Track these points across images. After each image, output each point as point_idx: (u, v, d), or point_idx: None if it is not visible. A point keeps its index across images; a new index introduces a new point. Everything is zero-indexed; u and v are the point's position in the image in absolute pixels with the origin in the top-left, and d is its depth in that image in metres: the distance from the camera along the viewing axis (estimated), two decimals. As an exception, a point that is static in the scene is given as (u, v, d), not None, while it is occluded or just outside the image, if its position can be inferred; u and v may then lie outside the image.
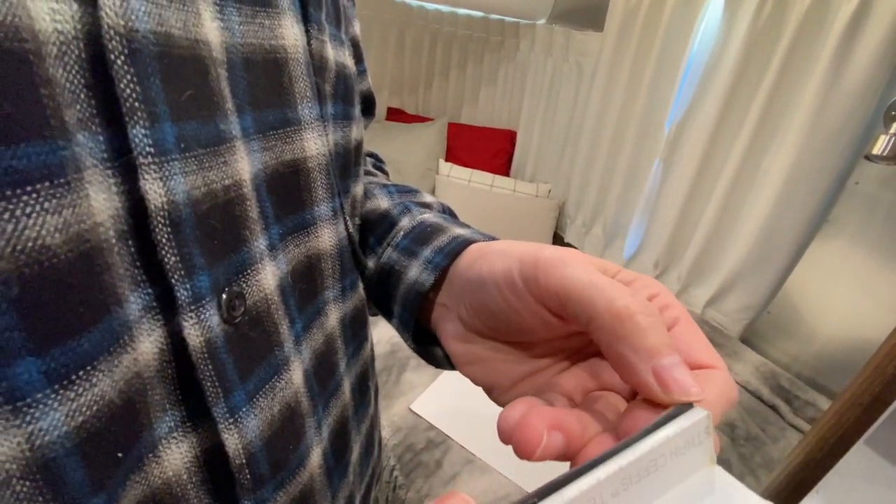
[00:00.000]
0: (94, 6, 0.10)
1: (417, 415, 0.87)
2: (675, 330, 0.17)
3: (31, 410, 0.10)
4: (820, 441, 0.47)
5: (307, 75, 0.18)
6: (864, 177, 0.95)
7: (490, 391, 0.21)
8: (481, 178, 1.68)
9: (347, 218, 0.23)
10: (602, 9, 1.36)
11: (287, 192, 0.18)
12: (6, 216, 0.09)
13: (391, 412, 0.88)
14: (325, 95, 0.20)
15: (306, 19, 0.18)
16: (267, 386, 0.16)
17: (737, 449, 0.91)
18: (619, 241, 1.47)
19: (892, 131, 0.85)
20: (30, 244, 0.09)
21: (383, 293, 0.26)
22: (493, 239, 0.24)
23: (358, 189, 0.26)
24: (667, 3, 1.16)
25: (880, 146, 0.84)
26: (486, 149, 1.83)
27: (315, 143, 0.19)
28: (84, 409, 0.11)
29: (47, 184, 0.10)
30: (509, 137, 1.86)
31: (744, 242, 1.10)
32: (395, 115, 1.96)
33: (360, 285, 0.25)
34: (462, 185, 1.68)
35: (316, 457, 0.19)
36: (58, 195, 0.10)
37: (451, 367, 0.25)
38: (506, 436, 0.15)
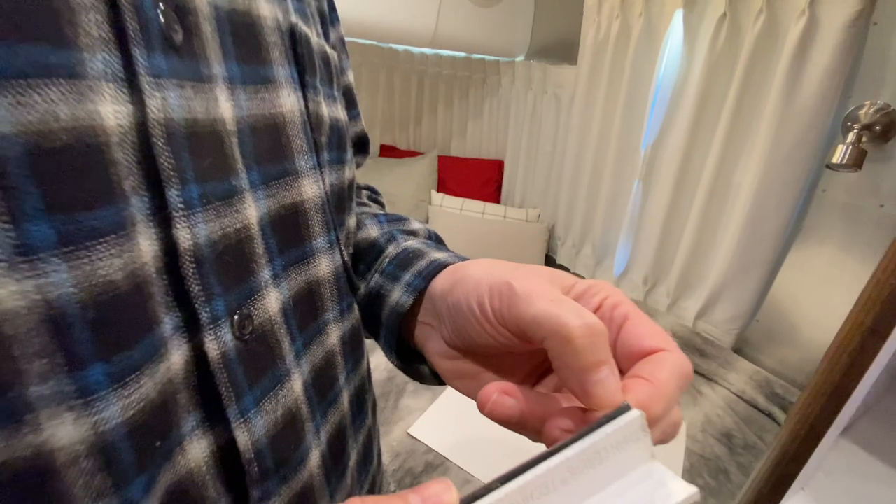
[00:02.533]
0: (142, 106, 0.14)
1: (415, 439, 0.88)
2: (627, 325, 0.19)
3: (98, 404, 0.12)
4: (791, 434, 0.49)
5: (303, 133, 0.21)
6: (830, 185, 1.00)
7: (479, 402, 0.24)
8: (473, 207, 1.74)
9: (343, 248, 0.25)
10: (574, 44, 1.46)
11: (288, 229, 0.21)
12: (86, 260, 0.12)
13: (390, 437, 0.89)
14: (321, 146, 0.24)
15: (303, 86, 0.22)
16: (271, 392, 0.19)
17: (735, 458, 0.91)
18: (609, 259, 1.51)
19: (848, 140, 0.90)
20: (101, 280, 0.12)
21: (371, 315, 0.28)
22: (465, 259, 0.27)
23: (351, 221, 0.29)
24: (632, 36, 1.25)
25: (839, 155, 0.88)
26: (476, 178, 1.90)
27: (311, 188, 0.22)
28: (134, 404, 0.13)
29: (114, 236, 0.13)
30: (497, 167, 1.93)
31: (724, 254, 1.13)
32: (387, 150, 2.04)
33: (356, 307, 0.28)
34: (454, 214, 1.73)
35: (315, 458, 0.22)
36: (120, 243, 0.13)
37: (438, 382, 0.27)
38: (478, 402, 0.18)
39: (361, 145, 0.38)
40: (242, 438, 0.17)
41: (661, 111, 1.22)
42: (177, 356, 0.15)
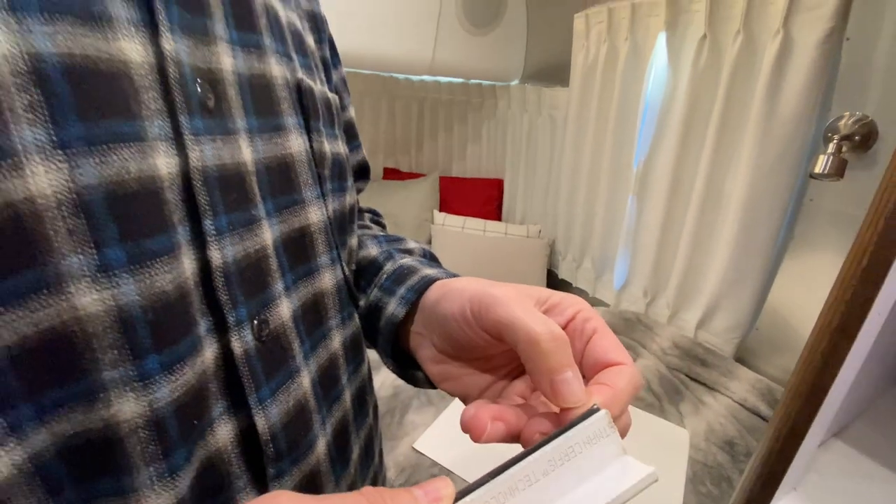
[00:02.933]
0: (186, 158, 0.18)
1: (421, 453, 0.91)
2: (595, 338, 0.22)
3: (153, 386, 0.16)
4: (775, 432, 0.51)
5: (309, 169, 0.26)
6: (816, 194, 1.03)
7: (464, 400, 0.26)
8: (474, 225, 1.79)
9: (344, 264, 0.29)
10: (565, 67, 1.52)
11: (297, 249, 0.25)
12: (147, 275, 0.16)
13: (396, 453, 0.91)
14: (325, 178, 0.28)
15: (308, 130, 0.26)
16: (284, 386, 0.22)
17: (737, 466, 0.92)
18: (609, 273, 1.54)
19: (829, 150, 0.93)
20: (158, 290, 0.16)
21: (371, 326, 0.32)
22: (456, 276, 0.30)
23: (353, 240, 0.33)
24: (619, 58, 1.31)
25: (821, 165, 0.92)
26: (477, 197, 1.96)
27: (316, 214, 0.26)
28: (179, 388, 0.17)
29: (166, 257, 0.17)
30: (497, 185, 1.98)
31: (720, 264, 1.16)
32: (390, 173, 2.11)
33: (356, 316, 0.32)
34: (457, 232, 1.78)
35: (321, 446, 0.25)
36: (170, 262, 0.17)
37: (430, 385, 0.30)
38: (464, 427, 0.20)
39: (362, 172, 0.42)
40: (261, 422, 0.20)
41: (651, 128, 1.27)
42: (209, 352, 0.19)
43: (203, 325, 0.19)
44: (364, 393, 0.33)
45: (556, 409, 0.20)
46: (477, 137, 2.03)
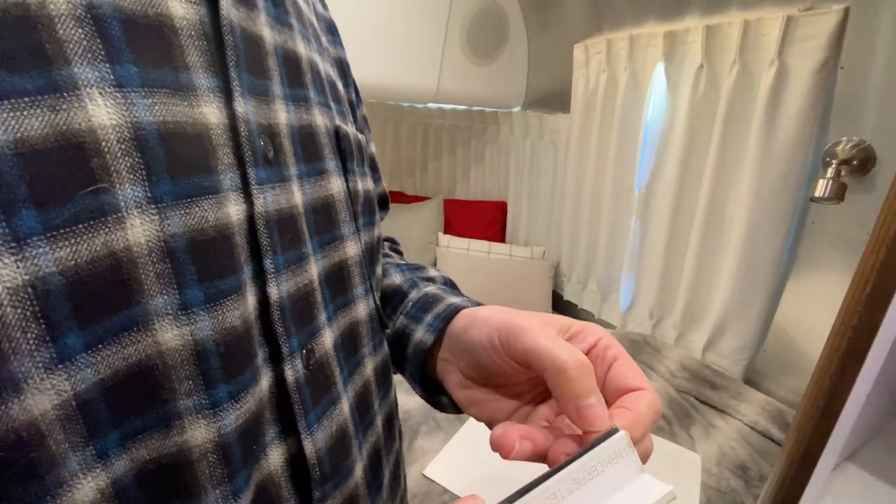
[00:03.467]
0: (251, 205, 0.19)
1: (431, 480, 0.90)
2: (615, 364, 0.23)
3: (222, 413, 0.17)
4: (788, 458, 0.52)
5: (347, 208, 0.28)
6: (818, 217, 1.05)
7: (490, 425, 0.27)
8: (479, 247, 1.80)
9: (374, 293, 0.31)
10: (566, 95, 1.57)
11: (337, 282, 0.26)
12: (220, 312, 0.17)
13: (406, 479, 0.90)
14: (358, 214, 0.30)
15: (345, 171, 0.28)
16: (327, 412, 0.23)
17: (751, 490, 0.91)
18: (614, 294, 1.54)
19: (829, 175, 0.96)
20: (229, 325, 0.18)
21: (397, 352, 0.33)
22: (480, 304, 0.31)
23: (378, 269, 0.35)
24: (619, 86, 1.35)
25: (821, 189, 0.94)
26: (481, 219, 1.98)
27: (353, 249, 0.28)
28: (243, 414, 0.18)
29: (235, 295, 0.18)
30: (501, 207, 2.01)
31: (725, 286, 1.17)
32: (395, 196, 2.14)
33: (385, 344, 0.33)
34: (461, 255, 1.79)
35: (359, 469, 0.26)
36: (239, 300, 0.19)
37: (456, 410, 0.32)
38: (493, 445, 0.21)
39: (383, 203, 0.44)
40: (309, 447, 0.22)
41: (652, 154, 1.30)
42: (265, 381, 0.20)
43: (261, 356, 0.20)
44: (392, 418, 0.34)
45: (580, 432, 0.21)
46: (480, 161, 2.07)
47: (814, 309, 1.08)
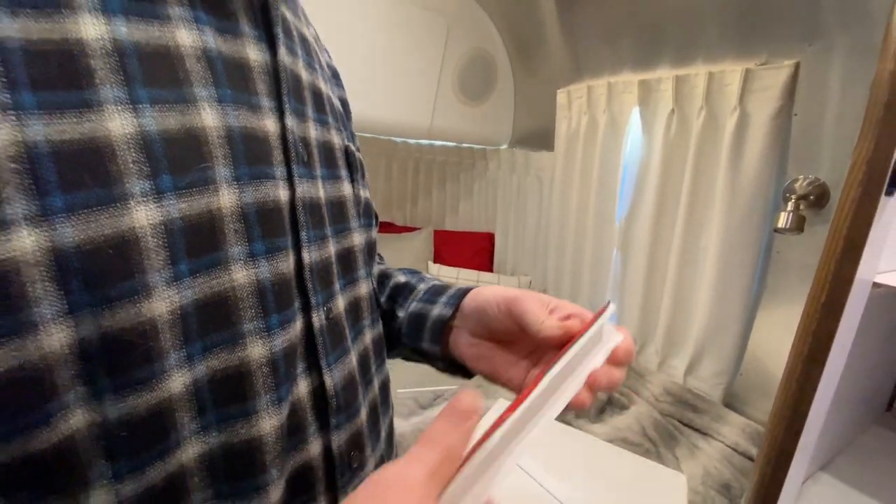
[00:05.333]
0: (293, 191, 0.26)
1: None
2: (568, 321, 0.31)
3: (273, 337, 0.23)
4: (762, 469, 0.56)
5: (354, 205, 0.35)
6: (783, 248, 1.14)
7: (493, 378, 0.35)
8: (467, 276, 1.85)
9: (373, 279, 0.38)
10: (550, 134, 1.68)
11: (346, 263, 0.33)
12: (277, 261, 0.24)
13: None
14: (360, 214, 0.37)
15: (353, 180, 0.35)
16: (341, 358, 0.29)
17: (736, 509, 0.94)
18: (599, 322, 1.60)
19: (789, 208, 1.05)
20: (280, 272, 0.25)
21: (413, 331, 0.40)
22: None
23: (374, 268, 0.42)
24: (598, 127, 1.46)
25: (783, 221, 1.03)
26: (469, 250, 2.04)
27: (358, 239, 0.35)
28: (286, 341, 0.24)
29: (284, 251, 0.25)
30: (489, 238, 2.08)
31: (701, 313, 1.23)
32: (386, 227, 2.20)
33: (380, 323, 0.39)
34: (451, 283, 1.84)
35: (363, 414, 0.31)
36: (286, 256, 0.25)
37: (464, 375, 0.38)
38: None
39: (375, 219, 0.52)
40: (328, 380, 0.28)
41: (630, 189, 1.39)
42: (299, 323, 0.26)
43: (297, 303, 0.26)
44: (386, 389, 0.39)
45: None
46: (469, 195, 2.16)
47: (784, 335, 1.16)
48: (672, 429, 1.16)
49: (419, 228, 2.15)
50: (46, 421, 0.16)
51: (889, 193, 0.50)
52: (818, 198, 1.06)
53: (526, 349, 0.34)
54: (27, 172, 0.15)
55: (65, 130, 0.16)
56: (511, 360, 0.34)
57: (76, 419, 0.17)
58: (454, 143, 2.08)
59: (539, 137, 1.82)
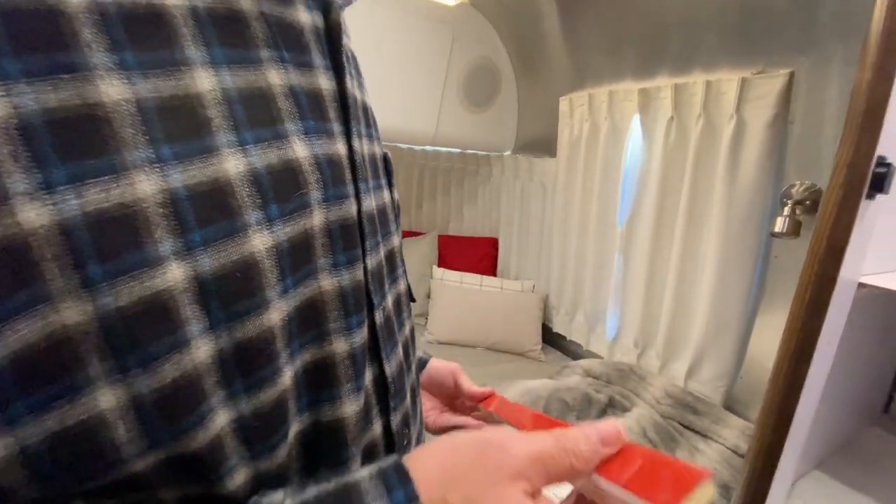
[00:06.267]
0: (351, 147, 0.27)
1: None
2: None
3: (354, 335, 0.26)
4: (752, 463, 0.57)
5: (392, 209, 0.37)
6: (780, 252, 1.16)
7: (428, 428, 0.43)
8: (471, 280, 1.88)
9: (406, 277, 0.41)
10: (553, 141, 1.71)
11: (390, 264, 0.35)
12: (352, 269, 0.27)
13: None
14: (398, 216, 0.40)
15: (391, 186, 0.38)
16: (393, 350, 0.32)
17: (733, 509, 0.95)
18: (601, 326, 1.62)
19: (785, 213, 1.07)
20: (356, 279, 0.27)
21: None
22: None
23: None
24: (600, 134, 1.49)
25: (780, 225, 1.05)
26: (473, 254, 2.07)
27: (397, 240, 0.37)
28: (361, 339, 0.27)
29: (359, 261, 0.27)
30: (492, 243, 2.11)
31: (702, 317, 1.25)
32: (391, 233, 2.23)
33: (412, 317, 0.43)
34: (455, 287, 1.86)
35: (409, 398, 0.34)
36: (360, 265, 0.27)
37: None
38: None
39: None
40: (388, 369, 0.30)
41: (631, 194, 1.42)
42: (366, 323, 0.29)
43: (365, 306, 0.29)
44: (419, 373, 0.44)
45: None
46: (473, 200, 2.20)
47: (780, 338, 1.17)
48: (672, 431, 1.18)
49: (424, 233, 2.19)
50: (201, 422, 0.19)
51: (870, 196, 0.53)
52: (814, 203, 1.08)
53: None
54: (172, 215, 0.18)
55: (195, 175, 0.19)
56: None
57: (220, 418, 0.20)
58: (459, 150, 2.11)
59: (542, 144, 1.85)
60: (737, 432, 1.15)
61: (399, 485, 0.21)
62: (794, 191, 1.12)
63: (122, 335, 0.17)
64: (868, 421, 0.90)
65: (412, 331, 0.40)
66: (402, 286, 0.37)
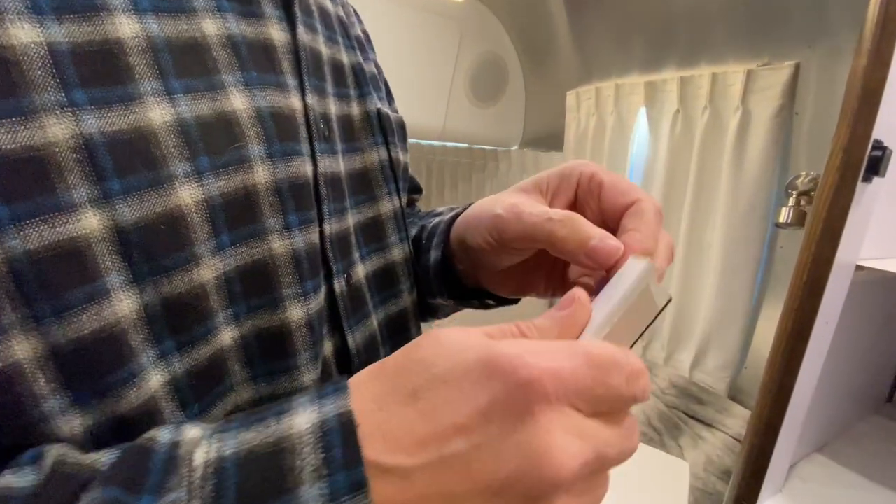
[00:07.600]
0: (316, 167, 0.26)
1: None
2: (603, 191, 0.26)
3: (309, 301, 0.24)
4: (749, 441, 0.59)
5: (381, 173, 0.33)
6: (786, 243, 1.17)
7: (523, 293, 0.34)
8: (478, 275, 1.90)
9: (410, 245, 0.36)
10: (559, 135, 1.73)
11: (371, 232, 0.32)
12: (309, 231, 0.25)
13: None
14: (399, 178, 0.35)
15: (387, 144, 0.34)
16: (361, 321, 0.30)
17: (736, 494, 0.96)
18: (606, 318, 1.63)
19: (790, 203, 1.08)
20: (310, 242, 0.25)
21: (435, 285, 0.37)
22: (468, 206, 0.35)
23: (412, 230, 0.41)
24: (606, 128, 1.51)
25: (784, 215, 1.06)
26: (480, 249, 2.09)
27: (386, 206, 0.34)
28: (315, 306, 0.25)
29: (313, 223, 0.25)
30: (499, 239, 2.12)
31: (706, 308, 1.26)
32: (399, 228, 2.26)
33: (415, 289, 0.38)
34: (461, 282, 1.89)
35: None
36: (314, 228, 0.25)
37: (497, 303, 0.36)
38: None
39: (414, 186, 0.49)
40: (350, 341, 0.29)
41: (637, 185, 1.43)
42: (324, 289, 0.27)
43: (322, 272, 0.27)
44: None
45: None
46: (480, 194, 2.19)
47: (788, 328, 1.18)
48: (677, 420, 1.19)
49: (432, 228, 2.21)
50: (131, 380, 0.18)
51: (866, 179, 0.54)
52: (820, 194, 1.09)
53: (546, 263, 0.31)
54: (87, 161, 0.17)
55: (114, 122, 0.18)
56: (544, 271, 0.32)
57: (154, 379, 0.19)
58: (466, 145, 2.14)
59: (549, 138, 1.87)
60: (741, 421, 1.16)
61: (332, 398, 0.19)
62: (799, 181, 1.12)
63: (33, 281, 0.16)
64: (871, 410, 0.91)
65: (415, 305, 0.37)
66: (396, 255, 0.34)
